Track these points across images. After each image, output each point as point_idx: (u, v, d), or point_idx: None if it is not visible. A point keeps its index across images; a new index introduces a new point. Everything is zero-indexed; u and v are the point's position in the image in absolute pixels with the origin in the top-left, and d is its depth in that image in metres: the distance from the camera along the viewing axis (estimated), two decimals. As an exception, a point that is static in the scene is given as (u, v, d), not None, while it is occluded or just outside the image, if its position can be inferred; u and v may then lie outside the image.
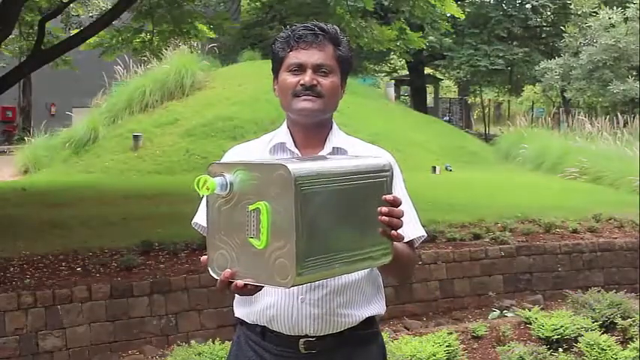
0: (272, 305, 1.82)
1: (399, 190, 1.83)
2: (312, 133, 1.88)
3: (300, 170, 1.44)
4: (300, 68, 1.84)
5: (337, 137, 1.92)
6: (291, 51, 1.85)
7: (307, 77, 1.83)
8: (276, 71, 1.90)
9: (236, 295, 1.93)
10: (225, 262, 1.53)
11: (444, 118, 27.54)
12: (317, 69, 1.84)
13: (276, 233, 1.44)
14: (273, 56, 1.90)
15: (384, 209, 1.58)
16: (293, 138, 1.90)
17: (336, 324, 1.81)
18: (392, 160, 1.87)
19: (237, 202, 1.50)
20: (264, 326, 1.84)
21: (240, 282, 1.51)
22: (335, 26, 1.91)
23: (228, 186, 1.49)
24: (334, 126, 1.94)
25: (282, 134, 1.92)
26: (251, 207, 1.47)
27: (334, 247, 1.51)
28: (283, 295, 1.80)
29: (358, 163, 1.61)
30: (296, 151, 1.88)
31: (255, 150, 1.94)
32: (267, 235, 1.45)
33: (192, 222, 1.93)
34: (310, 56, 1.84)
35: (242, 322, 1.91)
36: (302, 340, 1.81)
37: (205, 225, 1.87)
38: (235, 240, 1.51)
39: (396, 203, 1.60)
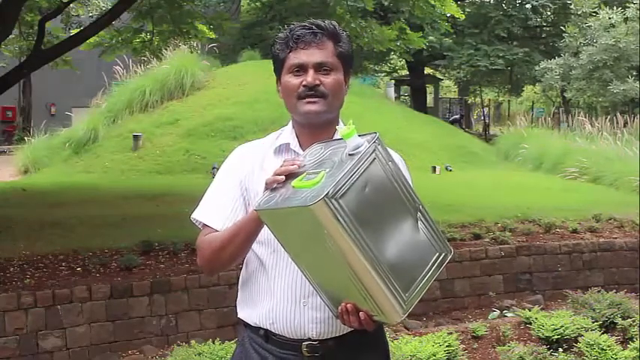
0: (274, 308, 1.81)
1: None
2: (317, 133, 1.84)
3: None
4: (301, 69, 1.82)
5: None
6: (290, 52, 1.83)
7: (309, 77, 1.80)
8: (278, 73, 1.88)
9: (239, 296, 1.93)
10: (270, 200, 1.59)
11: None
12: (318, 68, 1.81)
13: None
14: (273, 58, 1.88)
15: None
16: (298, 138, 1.88)
17: (339, 327, 1.79)
18: (400, 160, 1.85)
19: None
20: (267, 329, 1.83)
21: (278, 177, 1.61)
22: (333, 22, 1.88)
23: (357, 148, 1.58)
24: (341, 125, 1.92)
25: (287, 134, 1.91)
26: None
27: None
28: (285, 298, 1.80)
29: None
30: (301, 152, 1.84)
31: (260, 150, 1.92)
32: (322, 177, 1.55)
33: (192, 216, 1.90)
34: (310, 56, 1.81)
35: (246, 325, 1.90)
36: (305, 344, 1.80)
37: (205, 222, 1.86)
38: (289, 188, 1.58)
39: None
